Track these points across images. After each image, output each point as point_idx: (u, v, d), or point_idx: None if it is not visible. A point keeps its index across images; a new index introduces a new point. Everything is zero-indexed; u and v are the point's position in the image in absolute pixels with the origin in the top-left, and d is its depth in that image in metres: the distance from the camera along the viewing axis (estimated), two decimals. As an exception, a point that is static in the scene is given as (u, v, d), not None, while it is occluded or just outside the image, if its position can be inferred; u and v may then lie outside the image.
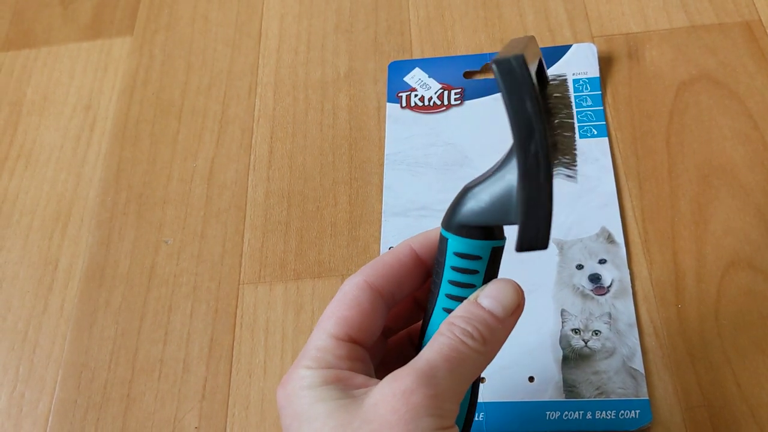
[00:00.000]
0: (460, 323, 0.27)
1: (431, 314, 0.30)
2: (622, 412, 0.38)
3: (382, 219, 0.46)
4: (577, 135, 0.33)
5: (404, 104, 0.50)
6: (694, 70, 0.49)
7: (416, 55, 0.53)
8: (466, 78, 0.51)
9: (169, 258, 0.47)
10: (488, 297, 0.27)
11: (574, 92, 0.48)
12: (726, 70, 0.49)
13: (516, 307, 0.28)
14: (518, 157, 0.24)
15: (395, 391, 0.24)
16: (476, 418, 0.39)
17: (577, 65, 0.49)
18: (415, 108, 0.50)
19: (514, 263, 0.43)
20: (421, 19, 0.55)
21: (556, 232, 0.44)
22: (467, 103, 0.50)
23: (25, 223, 0.50)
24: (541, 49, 0.51)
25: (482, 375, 0.40)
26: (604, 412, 0.38)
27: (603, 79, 0.49)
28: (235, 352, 0.43)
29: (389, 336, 0.33)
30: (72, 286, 0.47)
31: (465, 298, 0.28)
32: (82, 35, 0.60)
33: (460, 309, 0.27)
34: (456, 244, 0.28)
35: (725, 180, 0.45)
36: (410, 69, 0.52)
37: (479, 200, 0.27)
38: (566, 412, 0.38)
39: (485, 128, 0.48)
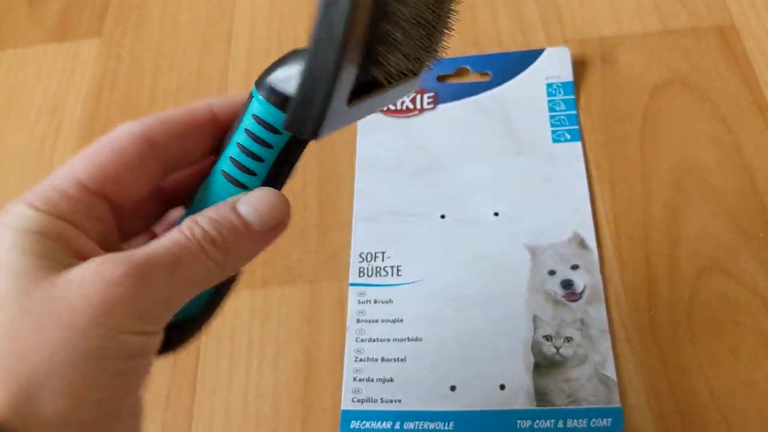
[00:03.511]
0: (204, 224, 0.23)
1: (207, 175, 0.26)
2: (594, 420, 0.37)
3: (353, 224, 0.45)
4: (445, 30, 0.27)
5: (376, 108, 0.49)
6: (667, 74, 0.49)
7: (389, 59, 0.52)
8: (439, 81, 0.50)
9: (133, 264, 0.46)
10: (248, 204, 0.24)
11: (548, 96, 0.48)
12: (699, 74, 0.48)
13: (277, 224, 0.24)
14: (314, 19, 0.21)
15: (97, 276, 0.20)
16: (446, 427, 0.38)
17: (550, 69, 0.49)
18: (388, 112, 0.49)
19: (485, 268, 0.43)
20: (395, 22, 0.55)
21: (528, 237, 0.43)
22: (440, 107, 0.49)
23: (-14, 229, 0.49)
24: (515, 52, 0.50)
25: (453, 383, 0.39)
26: (575, 421, 0.37)
27: (576, 83, 0.49)
28: (200, 361, 0.42)
29: (172, 206, 0.28)
30: (33, 294, 0.46)
31: (246, 172, 0.25)
32: (48, 37, 0.59)
33: (213, 209, 0.23)
34: (259, 105, 0.24)
35: (698, 184, 0.44)
36: (382, 72, 0.51)
37: (293, 66, 0.23)
38: (537, 421, 0.37)
39: (458, 132, 0.48)
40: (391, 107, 0.49)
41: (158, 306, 0.22)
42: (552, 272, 0.42)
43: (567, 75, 0.48)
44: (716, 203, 0.43)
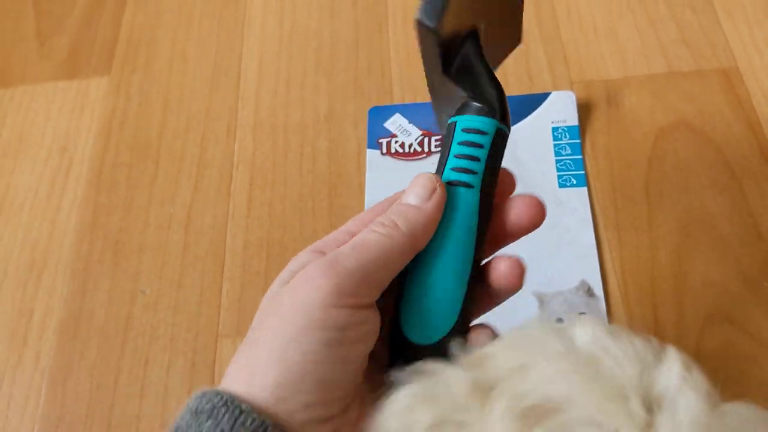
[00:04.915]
0: (376, 219, 0.28)
1: None
2: (603, 472, 0.38)
3: (362, 269, 0.46)
4: None
5: (385, 150, 0.50)
6: (672, 116, 0.49)
7: (397, 97, 0.53)
8: (446, 123, 0.50)
9: (145, 309, 0.47)
10: (405, 192, 0.29)
11: (553, 141, 0.48)
12: (703, 118, 0.49)
13: (431, 192, 0.29)
14: None
15: (302, 274, 0.26)
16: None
17: (556, 113, 0.49)
18: (396, 155, 0.50)
19: (494, 314, 0.43)
20: (402, 59, 0.55)
21: (536, 285, 0.44)
22: (447, 148, 0.49)
23: (-1, 271, 0.50)
24: (521, 96, 0.51)
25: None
26: (584, 473, 0.38)
27: (582, 127, 0.49)
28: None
29: None
30: (47, 338, 0.47)
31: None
32: (58, 74, 0.59)
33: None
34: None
35: (704, 231, 0.45)
36: (391, 114, 0.52)
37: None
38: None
39: (465, 175, 0.48)
40: (399, 150, 0.50)
41: (354, 284, 0.26)
42: (560, 321, 0.42)
43: (572, 119, 0.49)
44: (722, 251, 0.44)
